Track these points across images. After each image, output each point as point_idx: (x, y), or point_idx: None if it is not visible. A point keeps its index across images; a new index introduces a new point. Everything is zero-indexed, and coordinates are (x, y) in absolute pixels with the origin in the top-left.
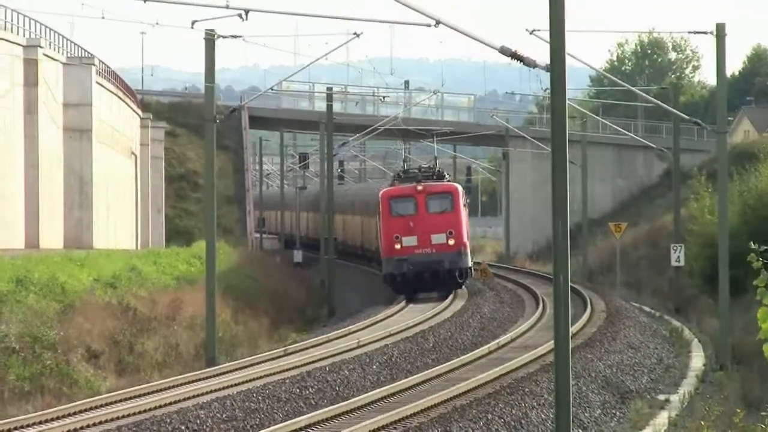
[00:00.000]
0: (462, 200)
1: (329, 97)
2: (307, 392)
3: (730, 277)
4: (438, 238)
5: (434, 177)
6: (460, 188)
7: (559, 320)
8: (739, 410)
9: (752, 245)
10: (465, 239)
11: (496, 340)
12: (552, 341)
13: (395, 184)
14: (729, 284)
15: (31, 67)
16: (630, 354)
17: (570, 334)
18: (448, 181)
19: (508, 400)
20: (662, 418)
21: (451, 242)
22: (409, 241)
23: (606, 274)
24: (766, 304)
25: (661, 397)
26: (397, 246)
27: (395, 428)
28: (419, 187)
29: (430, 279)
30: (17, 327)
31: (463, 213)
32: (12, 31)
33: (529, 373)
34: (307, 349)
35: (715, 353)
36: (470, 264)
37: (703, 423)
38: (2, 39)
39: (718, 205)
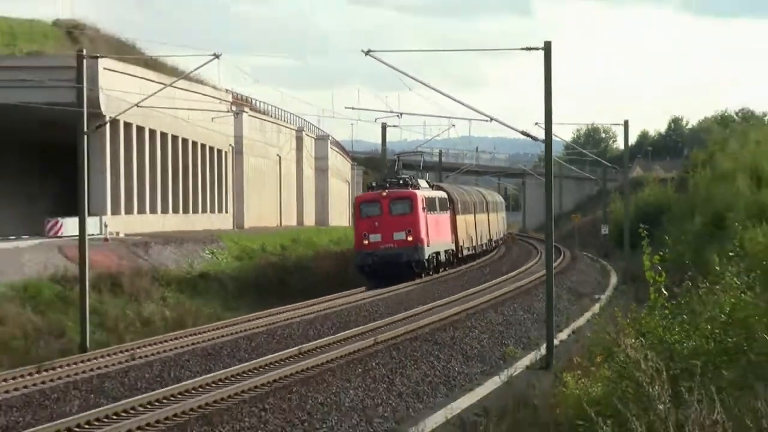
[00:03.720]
0: (422, 204)
1: (440, 153)
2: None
3: (630, 240)
4: (398, 235)
5: (401, 185)
6: (422, 194)
7: (548, 260)
8: (633, 305)
9: (641, 225)
10: (422, 235)
11: (518, 270)
12: (545, 270)
13: (368, 191)
14: (629, 244)
15: (299, 141)
16: (582, 276)
17: (553, 267)
18: (413, 188)
19: (524, 298)
20: (597, 306)
21: (410, 239)
22: (375, 237)
23: (571, 239)
24: (647, 252)
25: (597, 296)
26: (365, 242)
27: (467, 312)
28: (384, 193)
29: (393, 269)
30: (294, 260)
31: (423, 215)
32: (290, 122)
33: (534, 285)
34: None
35: (622, 277)
36: (427, 256)
37: (616, 309)
38: (288, 127)
39: (624, 206)
